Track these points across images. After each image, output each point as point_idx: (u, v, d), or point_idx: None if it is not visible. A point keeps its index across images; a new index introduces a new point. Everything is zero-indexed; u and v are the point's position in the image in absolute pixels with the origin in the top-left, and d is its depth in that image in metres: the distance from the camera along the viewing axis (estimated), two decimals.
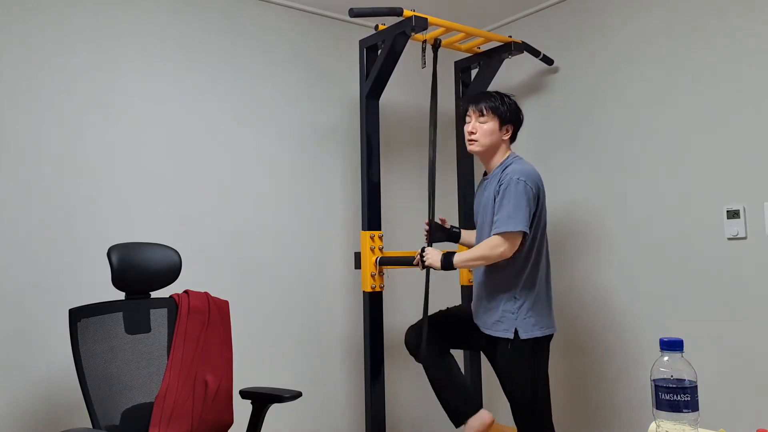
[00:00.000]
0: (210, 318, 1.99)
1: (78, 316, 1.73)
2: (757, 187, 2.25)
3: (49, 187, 2.32)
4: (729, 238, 2.32)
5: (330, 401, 2.92)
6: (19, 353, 2.21)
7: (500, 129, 2.28)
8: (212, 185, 2.68)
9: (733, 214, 2.29)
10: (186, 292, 2.00)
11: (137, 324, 1.88)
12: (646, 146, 2.59)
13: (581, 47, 2.88)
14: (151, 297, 1.96)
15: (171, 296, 1.99)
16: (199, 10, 2.72)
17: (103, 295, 2.39)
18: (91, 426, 1.68)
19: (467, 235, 2.56)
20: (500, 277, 2.20)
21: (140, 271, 1.88)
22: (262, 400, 1.98)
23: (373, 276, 2.51)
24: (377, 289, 2.53)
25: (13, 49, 2.29)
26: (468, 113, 2.32)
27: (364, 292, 2.56)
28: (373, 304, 2.54)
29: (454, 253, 2.24)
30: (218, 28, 2.76)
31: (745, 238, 2.27)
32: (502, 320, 2.17)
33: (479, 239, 2.31)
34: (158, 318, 1.93)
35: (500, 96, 2.30)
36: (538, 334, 2.14)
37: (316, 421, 2.86)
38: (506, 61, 3.09)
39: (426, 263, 2.28)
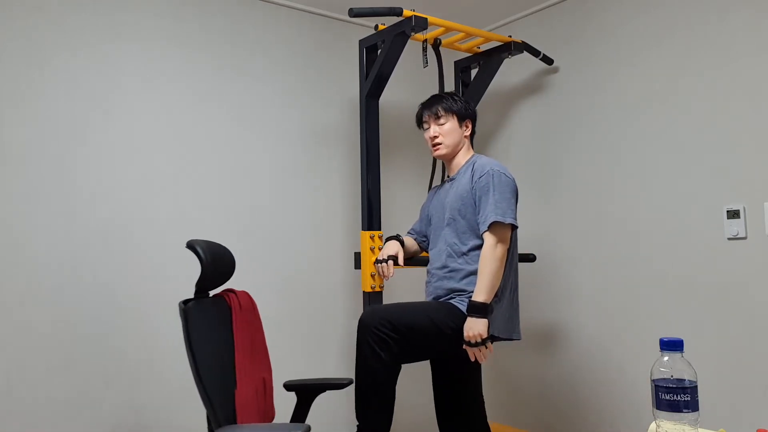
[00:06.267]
0: (254, 315, 1.97)
1: (187, 309, 1.66)
2: (757, 187, 2.25)
3: (49, 187, 2.32)
4: (729, 238, 2.31)
5: (330, 401, 2.92)
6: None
7: (460, 126, 2.26)
8: (212, 185, 2.68)
9: (733, 214, 2.29)
10: (232, 290, 1.96)
11: (213, 320, 1.80)
12: (646, 146, 2.59)
13: (581, 47, 2.88)
14: (210, 295, 1.87)
15: (221, 295, 1.92)
16: (199, 10, 2.71)
17: (103, 295, 2.39)
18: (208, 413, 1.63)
19: (407, 241, 2.42)
20: (466, 273, 2.13)
21: (218, 269, 1.80)
22: (310, 390, 1.99)
23: (373, 276, 2.51)
24: (377, 289, 2.53)
25: (13, 50, 2.29)
26: (424, 120, 2.29)
27: (364, 292, 2.56)
28: (373, 304, 2.54)
29: (474, 303, 2.01)
30: (218, 28, 2.76)
31: (745, 238, 2.27)
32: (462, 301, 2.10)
33: (434, 239, 2.27)
34: (223, 315, 1.87)
35: (450, 95, 2.28)
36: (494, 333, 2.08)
37: (316, 421, 2.86)
38: (506, 61, 3.08)
39: (482, 342, 2.00)
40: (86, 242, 2.37)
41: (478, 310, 2.00)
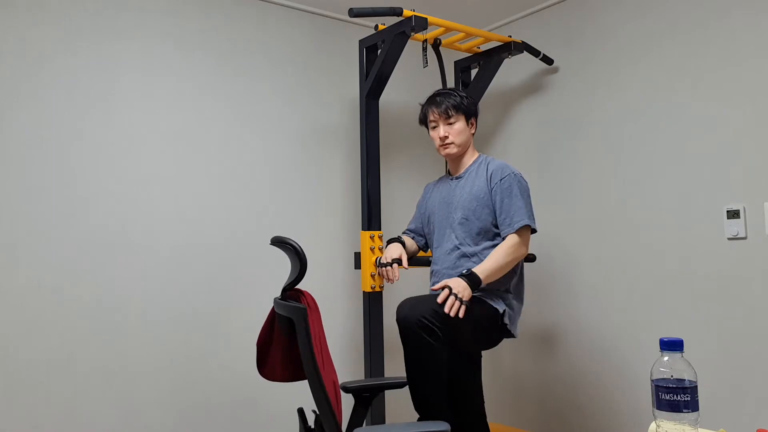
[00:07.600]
0: (319, 316, 1.94)
1: (307, 310, 1.63)
2: (757, 187, 2.25)
3: (49, 187, 2.32)
4: (729, 238, 2.31)
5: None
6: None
7: (467, 125, 2.25)
8: (212, 185, 2.68)
9: (733, 214, 2.29)
10: (301, 291, 1.92)
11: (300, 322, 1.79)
12: (646, 146, 2.59)
13: (581, 47, 2.88)
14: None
15: (294, 295, 1.85)
16: (199, 10, 2.71)
17: (102, 295, 2.39)
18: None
19: (407, 242, 2.41)
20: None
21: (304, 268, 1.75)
22: (368, 392, 1.95)
23: (373, 276, 2.51)
24: (377, 289, 2.53)
25: (13, 49, 2.29)
26: (431, 119, 2.25)
27: (364, 292, 2.56)
28: (373, 304, 2.54)
29: (474, 275, 2.01)
30: (218, 28, 2.76)
31: (745, 238, 2.27)
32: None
33: (440, 238, 2.25)
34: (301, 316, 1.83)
35: (456, 92, 2.25)
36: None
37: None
38: (506, 61, 3.09)
39: (464, 301, 1.96)
40: (85, 242, 2.37)
41: (474, 281, 1.99)
